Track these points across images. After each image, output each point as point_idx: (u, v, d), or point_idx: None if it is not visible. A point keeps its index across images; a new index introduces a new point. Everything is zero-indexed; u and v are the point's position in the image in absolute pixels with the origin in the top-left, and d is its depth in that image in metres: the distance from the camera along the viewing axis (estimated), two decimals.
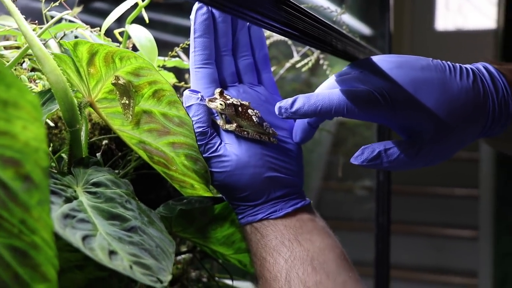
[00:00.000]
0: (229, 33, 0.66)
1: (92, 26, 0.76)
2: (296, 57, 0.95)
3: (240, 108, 0.62)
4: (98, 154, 0.67)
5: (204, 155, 0.62)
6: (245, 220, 0.63)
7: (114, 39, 0.77)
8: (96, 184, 0.54)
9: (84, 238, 0.45)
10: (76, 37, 0.74)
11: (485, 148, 3.62)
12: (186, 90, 0.62)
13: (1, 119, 0.36)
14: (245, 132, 0.62)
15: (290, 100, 0.62)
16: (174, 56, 0.80)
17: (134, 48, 0.76)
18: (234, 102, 0.62)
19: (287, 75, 1.17)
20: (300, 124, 0.67)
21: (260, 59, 0.69)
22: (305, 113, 0.61)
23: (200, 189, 0.63)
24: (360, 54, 0.88)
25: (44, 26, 0.62)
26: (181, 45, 0.77)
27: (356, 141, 3.11)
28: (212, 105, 0.61)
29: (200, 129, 0.62)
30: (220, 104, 0.61)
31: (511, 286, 3.32)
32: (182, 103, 0.62)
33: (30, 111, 0.36)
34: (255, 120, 0.62)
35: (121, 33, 0.77)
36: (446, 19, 5.95)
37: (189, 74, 0.95)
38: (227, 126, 0.62)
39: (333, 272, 0.61)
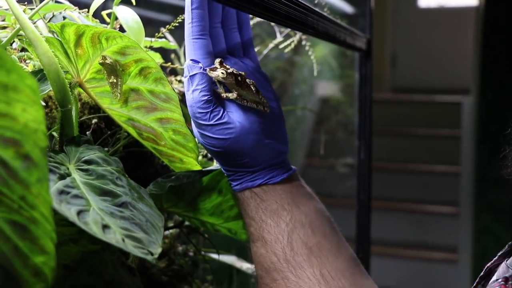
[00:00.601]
0: (219, 6, 0.67)
1: (80, 5, 0.78)
2: (279, 38, 0.97)
3: (239, 78, 0.63)
4: (88, 133, 0.69)
5: (208, 123, 0.62)
6: (242, 186, 0.66)
7: (102, 21, 0.79)
8: (88, 162, 0.56)
9: (79, 213, 0.48)
10: (64, 18, 0.76)
11: (467, 126, 3.67)
12: (188, 60, 0.63)
13: (1, 102, 0.38)
14: (245, 101, 0.64)
15: None
16: (160, 37, 0.82)
17: (121, 29, 0.78)
18: (234, 72, 0.63)
19: (270, 54, 1.19)
20: None
21: (245, 32, 0.71)
22: None
23: (188, 163, 0.66)
24: (341, 35, 0.91)
25: (35, 9, 0.64)
26: (167, 26, 0.79)
27: (339, 119, 3.15)
28: (213, 74, 0.62)
29: (206, 97, 0.62)
30: (222, 73, 0.62)
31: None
32: (182, 74, 0.63)
33: (29, 95, 0.38)
34: (253, 89, 0.64)
35: (108, 15, 0.78)
36: None
37: (175, 54, 0.98)
38: (229, 95, 0.64)
39: (328, 233, 0.66)
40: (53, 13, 0.75)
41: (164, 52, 0.89)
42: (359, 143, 1.36)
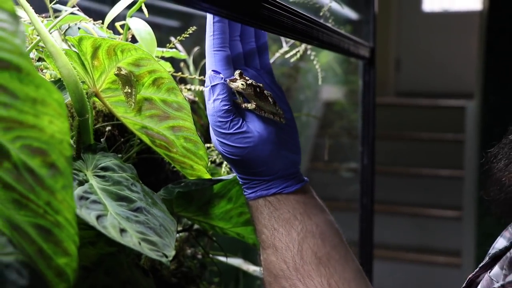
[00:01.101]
0: None
1: (93, 14, 0.81)
2: (285, 47, 1.01)
3: (258, 89, 0.66)
4: (102, 140, 0.72)
5: (228, 131, 0.64)
6: (257, 194, 0.68)
7: (116, 32, 0.82)
8: (104, 169, 0.59)
9: (98, 217, 0.51)
10: (79, 28, 0.79)
11: (470, 130, 3.69)
12: (209, 71, 0.65)
13: (30, 115, 0.41)
14: (262, 111, 0.66)
15: None
16: (171, 47, 0.85)
17: (133, 40, 0.81)
18: (253, 83, 0.65)
19: (276, 60, 1.22)
20: None
21: (261, 45, 0.73)
22: None
23: (199, 170, 0.69)
24: (345, 45, 0.94)
25: (54, 22, 0.67)
26: (178, 37, 0.82)
27: (343, 124, 3.17)
28: (233, 85, 0.65)
29: (226, 107, 0.64)
30: (242, 84, 0.64)
31: None
32: (205, 84, 0.66)
33: (56, 108, 0.41)
34: (270, 101, 0.67)
35: (122, 26, 0.81)
36: (433, 0, 6.00)
37: (184, 63, 1.01)
38: (248, 105, 0.66)
39: (336, 245, 0.69)
40: (68, 25, 0.78)
41: (172, 61, 0.92)
42: (362, 148, 1.39)
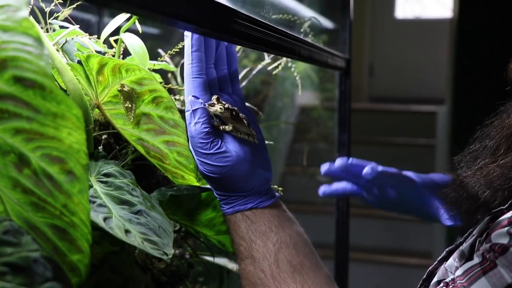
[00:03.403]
0: (213, 48, 0.76)
1: (78, 20, 0.86)
2: (267, 59, 1.07)
3: (233, 112, 0.72)
4: (100, 148, 0.78)
5: (209, 152, 0.70)
6: (235, 209, 0.74)
7: (110, 46, 0.87)
8: (107, 175, 0.65)
9: (105, 219, 0.57)
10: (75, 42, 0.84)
11: (441, 135, 3.78)
12: (190, 96, 0.71)
13: (51, 127, 0.47)
14: (238, 133, 0.73)
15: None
16: (161, 61, 0.91)
17: (126, 52, 0.86)
18: (230, 107, 0.72)
19: (254, 67, 1.28)
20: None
21: (233, 72, 0.80)
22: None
23: (189, 180, 0.75)
24: (323, 58, 1.00)
25: (57, 38, 0.72)
26: (168, 52, 0.87)
27: (319, 131, 3.24)
28: (212, 109, 0.71)
29: (207, 129, 0.70)
30: (220, 108, 0.70)
31: None
32: (186, 108, 0.72)
33: (75, 122, 0.47)
34: (245, 123, 0.73)
35: (115, 41, 0.87)
36: (405, 7, 6.11)
37: (172, 74, 1.06)
38: (226, 127, 0.72)
39: (308, 253, 0.75)
40: (66, 39, 0.83)
41: (160, 72, 0.97)
42: (339, 154, 1.46)
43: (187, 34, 0.72)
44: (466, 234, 0.71)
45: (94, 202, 0.59)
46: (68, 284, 0.44)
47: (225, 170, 0.71)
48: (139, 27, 0.84)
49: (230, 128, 0.72)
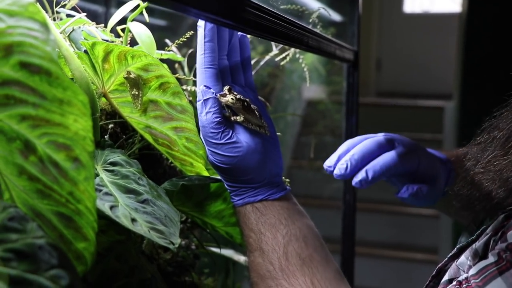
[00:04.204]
0: (226, 40, 0.75)
1: (85, 10, 0.86)
2: (275, 50, 1.06)
3: (245, 103, 0.71)
4: (106, 137, 0.77)
5: (219, 141, 0.70)
6: (245, 201, 0.73)
7: (117, 35, 0.87)
8: (113, 164, 0.65)
9: (111, 208, 0.56)
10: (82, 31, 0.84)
11: (448, 130, 3.77)
12: (201, 86, 0.71)
13: (57, 114, 0.46)
14: (250, 124, 0.72)
15: (363, 173, 0.84)
16: (168, 50, 0.90)
17: (133, 41, 0.86)
18: (242, 98, 0.71)
19: (261, 59, 1.27)
20: None
21: (246, 64, 0.79)
22: (378, 179, 0.84)
23: (198, 167, 0.74)
24: (332, 49, 0.99)
25: (63, 26, 0.72)
26: (176, 41, 0.87)
27: (326, 124, 3.23)
28: (224, 99, 0.70)
29: (218, 119, 0.70)
30: (231, 98, 0.70)
31: None
32: (197, 98, 0.71)
33: (81, 108, 0.47)
34: (257, 114, 0.72)
35: (123, 29, 0.86)
36: (413, 1, 6.08)
37: (179, 64, 1.06)
38: (237, 118, 0.72)
39: (317, 247, 0.74)
40: (72, 28, 0.83)
41: (167, 62, 0.97)
42: None
43: (200, 25, 0.72)
44: (479, 232, 0.69)
45: (100, 191, 0.58)
46: (73, 271, 0.44)
47: (235, 161, 0.71)
48: (146, 17, 0.83)
49: (242, 119, 0.72)
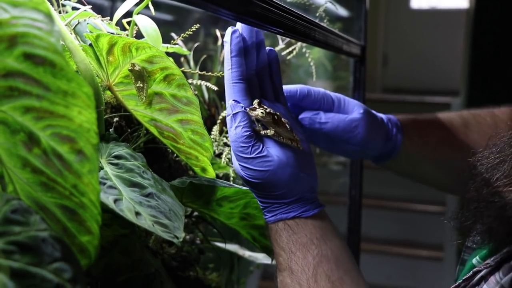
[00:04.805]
0: (254, 54, 0.75)
1: (93, 4, 0.85)
2: (281, 45, 1.05)
3: (275, 117, 0.70)
4: (111, 130, 0.77)
5: (250, 156, 0.69)
6: (277, 218, 0.71)
7: (122, 28, 0.86)
8: (118, 157, 0.64)
9: (115, 201, 0.56)
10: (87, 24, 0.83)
11: None
12: (230, 100, 0.71)
13: (61, 106, 0.46)
14: (281, 137, 0.70)
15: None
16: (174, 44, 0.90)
17: (138, 35, 0.85)
18: (272, 112, 0.70)
19: None
20: None
21: (275, 79, 0.78)
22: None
23: (203, 161, 0.74)
24: (338, 43, 0.99)
25: (68, 18, 0.71)
26: (182, 34, 0.86)
27: None
28: (253, 113, 0.69)
29: (247, 133, 0.69)
30: (261, 112, 0.69)
31: None
32: (227, 113, 0.71)
33: (85, 100, 0.46)
34: (288, 128, 0.71)
35: (128, 23, 0.85)
36: None
37: (184, 58, 1.05)
38: (267, 132, 0.71)
39: (348, 270, 0.72)
40: (78, 21, 0.82)
41: (173, 56, 0.96)
42: None
43: (226, 40, 0.72)
44: (498, 259, 0.67)
45: (104, 184, 0.58)
46: (77, 265, 0.43)
47: (266, 175, 0.69)
48: (152, 10, 0.83)
49: (272, 132, 0.70)
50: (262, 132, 0.71)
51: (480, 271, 0.68)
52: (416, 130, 0.99)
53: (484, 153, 0.75)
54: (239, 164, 0.71)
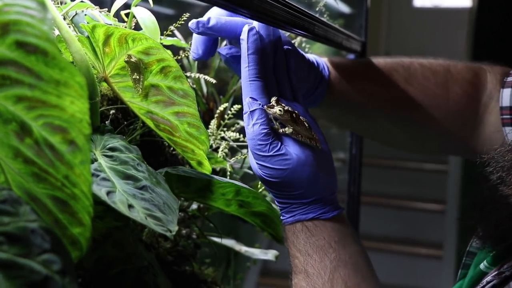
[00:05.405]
0: (271, 54, 0.74)
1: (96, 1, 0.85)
2: None
3: (294, 115, 0.69)
4: (107, 122, 0.76)
5: (268, 154, 0.67)
6: (295, 218, 0.70)
7: (120, 20, 0.86)
8: (112, 149, 0.63)
9: (108, 193, 0.55)
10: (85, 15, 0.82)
11: None
12: (248, 98, 0.70)
13: (53, 95, 0.45)
14: (300, 136, 0.69)
15: (205, 17, 0.75)
16: (171, 36, 0.89)
17: (136, 27, 0.85)
18: (290, 109, 0.69)
19: None
20: (204, 40, 0.79)
21: (292, 78, 0.77)
22: (217, 30, 0.75)
23: (199, 155, 0.73)
24: (338, 38, 0.98)
25: (65, 8, 0.70)
26: (175, 24, 0.85)
27: None
28: (271, 111, 0.68)
29: (265, 131, 0.68)
30: (279, 110, 0.68)
31: None
32: (244, 110, 0.70)
33: (78, 90, 0.45)
34: (306, 126, 0.70)
35: (126, 14, 0.85)
36: None
37: (183, 51, 1.04)
38: (285, 130, 0.69)
39: (366, 276, 0.71)
40: (75, 11, 0.81)
41: (171, 49, 0.96)
42: (351, 139, 1.44)
43: (243, 38, 0.71)
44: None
45: (98, 176, 0.57)
46: (67, 256, 0.43)
47: (285, 174, 0.68)
48: (151, 2, 0.82)
49: (291, 130, 0.69)
50: (280, 130, 0.69)
51: (492, 280, 0.66)
52: (344, 80, 0.92)
53: (500, 150, 0.71)
54: (257, 163, 0.69)
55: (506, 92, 0.88)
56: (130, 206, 0.56)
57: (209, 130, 0.94)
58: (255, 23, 0.73)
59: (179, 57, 0.87)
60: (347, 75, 0.91)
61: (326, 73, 0.89)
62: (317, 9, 1.02)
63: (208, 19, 0.75)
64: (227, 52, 0.79)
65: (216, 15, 0.77)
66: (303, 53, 0.85)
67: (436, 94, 0.92)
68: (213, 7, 0.78)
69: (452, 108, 0.92)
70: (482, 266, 0.71)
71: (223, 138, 0.95)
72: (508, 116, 0.86)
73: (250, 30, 0.71)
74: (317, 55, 0.90)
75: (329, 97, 0.89)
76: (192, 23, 0.75)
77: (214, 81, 0.93)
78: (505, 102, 0.87)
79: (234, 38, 0.77)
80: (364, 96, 0.93)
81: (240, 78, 0.78)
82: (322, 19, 0.88)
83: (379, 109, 0.95)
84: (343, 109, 0.94)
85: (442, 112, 0.92)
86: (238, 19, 0.76)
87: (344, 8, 2.24)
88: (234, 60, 0.79)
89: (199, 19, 0.75)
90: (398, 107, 0.93)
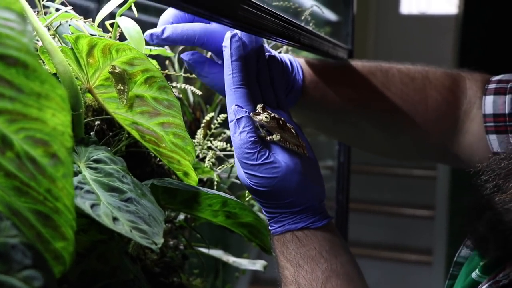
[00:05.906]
0: (254, 61, 0.73)
1: (76, 6, 0.84)
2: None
3: (280, 122, 0.68)
4: (92, 134, 0.75)
5: (256, 162, 0.66)
6: (285, 228, 0.69)
7: (105, 30, 0.85)
8: (96, 161, 0.63)
9: (92, 206, 0.54)
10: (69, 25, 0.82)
11: None
12: (233, 105, 0.68)
13: (34, 108, 0.45)
14: (287, 143, 0.68)
15: (160, 28, 0.73)
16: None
17: (121, 37, 0.84)
18: (276, 116, 0.68)
19: None
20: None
21: (277, 85, 0.76)
22: (173, 40, 0.73)
23: (185, 165, 0.72)
24: (324, 47, 0.98)
25: (49, 19, 0.70)
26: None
27: None
28: (257, 118, 0.67)
29: (253, 139, 0.66)
30: (266, 117, 0.67)
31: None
32: (229, 118, 0.68)
33: (59, 102, 0.45)
34: (294, 133, 0.69)
35: (111, 24, 0.84)
36: (410, 3, 6.08)
37: (169, 61, 1.04)
38: (273, 137, 0.68)
39: (358, 286, 0.69)
40: (60, 22, 0.81)
41: (157, 59, 0.95)
42: (339, 147, 1.44)
43: (226, 45, 0.70)
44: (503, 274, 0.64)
45: (82, 189, 0.56)
46: (49, 272, 0.42)
47: (274, 182, 0.66)
48: (135, 11, 0.81)
49: (278, 137, 0.68)
50: (268, 138, 0.68)
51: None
52: (320, 83, 0.90)
53: (494, 159, 0.71)
54: (245, 172, 0.68)
55: (488, 99, 0.88)
56: (114, 219, 0.55)
57: (195, 140, 0.94)
58: (236, 30, 0.72)
59: (165, 72, 0.86)
60: (323, 78, 0.89)
61: (300, 77, 0.87)
62: (302, 17, 1.02)
63: (163, 30, 0.73)
64: (189, 58, 0.77)
65: (172, 18, 0.76)
66: (279, 56, 0.83)
67: (414, 100, 0.91)
68: (168, 8, 0.76)
69: (431, 114, 0.92)
70: (474, 275, 0.70)
71: (209, 148, 0.95)
72: (492, 124, 0.85)
73: (233, 36, 0.70)
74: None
75: (304, 100, 0.88)
76: (146, 35, 0.74)
77: (200, 92, 0.92)
78: (488, 110, 0.87)
79: (192, 46, 0.76)
80: (339, 100, 0.91)
81: (204, 84, 0.77)
82: (308, 27, 0.88)
83: (354, 114, 0.93)
84: (317, 112, 0.93)
85: (421, 118, 0.92)
86: (196, 25, 0.74)
87: (331, 16, 2.24)
88: (197, 66, 0.77)
89: (153, 30, 0.73)
90: (375, 112, 0.92)
